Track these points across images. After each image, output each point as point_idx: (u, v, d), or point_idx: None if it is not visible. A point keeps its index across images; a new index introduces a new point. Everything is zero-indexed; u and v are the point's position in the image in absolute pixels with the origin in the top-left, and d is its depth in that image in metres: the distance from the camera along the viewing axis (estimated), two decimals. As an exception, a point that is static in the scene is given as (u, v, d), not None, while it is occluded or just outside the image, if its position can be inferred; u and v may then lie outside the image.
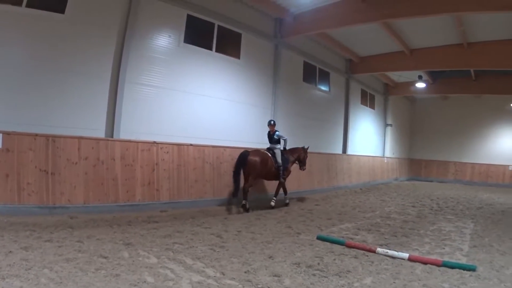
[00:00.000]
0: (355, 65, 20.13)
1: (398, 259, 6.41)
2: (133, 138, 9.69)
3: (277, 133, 11.91)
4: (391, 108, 26.46)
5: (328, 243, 7.24)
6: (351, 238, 7.92)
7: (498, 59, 16.24)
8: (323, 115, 18.00)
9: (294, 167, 12.85)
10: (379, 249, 6.80)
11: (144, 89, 10.39)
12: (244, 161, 10.73)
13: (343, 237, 7.96)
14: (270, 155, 11.61)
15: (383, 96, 25.71)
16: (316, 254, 6.46)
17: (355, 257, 6.43)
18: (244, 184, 10.85)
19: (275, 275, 5.20)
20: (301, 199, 13.33)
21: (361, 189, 18.84)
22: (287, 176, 12.36)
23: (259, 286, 4.79)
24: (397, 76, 23.06)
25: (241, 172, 10.83)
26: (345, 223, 9.80)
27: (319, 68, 17.60)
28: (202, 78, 11.84)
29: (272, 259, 5.99)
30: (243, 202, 10.65)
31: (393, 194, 17.79)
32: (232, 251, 6.29)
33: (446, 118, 29.33)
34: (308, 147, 13.16)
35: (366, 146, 22.69)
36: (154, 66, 10.59)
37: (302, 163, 12.75)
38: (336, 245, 7.13)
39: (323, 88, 18.20)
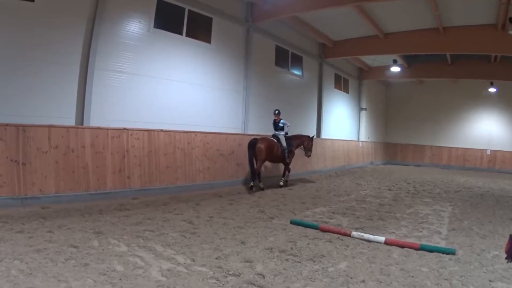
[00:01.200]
0: (328, 49, 20.15)
1: (374, 243, 6.39)
2: (103, 125, 9.59)
3: (282, 121, 13.36)
4: (366, 92, 26.71)
5: (301, 228, 7.19)
6: (326, 222, 7.87)
7: (474, 44, 16.45)
8: (296, 99, 18.12)
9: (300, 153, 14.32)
10: (354, 233, 6.75)
11: (114, 76, 10.29)
12: (254, 147, 12.09)
13: (317, 221, 7.94)
14: (275, 140, 13.02)
15: (357, 80, 25.92)
16: (289, 238, 6.43)
17: (330, 241, 6.40)
18: (256, 168, 12.16)
19: (247, 261, 5.16)
20: (275, 185, 13.25)
21: (336, 173, 19.02)
22: (291, 158, 13.59)
23: (230, 272, 4.74)
24: (371, 60, 23.35)
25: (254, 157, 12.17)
26: (319, 207, 9.77)
27: (291, 53, 17.64)
28: (172, 63, 11.80)
29: (244, 245, 5.94)
30: (251, 183, 11.88)
31: (368, 178, 17.97)
32: (203, 237, 6.23)
33: (422, 102, 29.74)
34: (314, 136, 14.93)
35: (341, 130, 22.90)
36: (124, 52, 10.49)
37: (307, 150, 14.16)
38: (310, 229, 7.10)
39: (296, 72, 18.28)
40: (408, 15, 15.97)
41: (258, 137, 12.59)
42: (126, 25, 10.57)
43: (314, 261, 5.33)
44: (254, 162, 12.17)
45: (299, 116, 18.30)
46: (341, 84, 23.39)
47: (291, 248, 5.85)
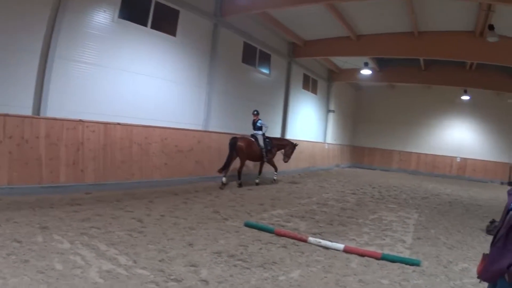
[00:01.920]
0: (298, 48, 20.33)
1: (332, 250, 6.21)
2: (60, 116, 9.41)
3: (259, 121, 14.29)
4: (335, 94, 26.96)
5: (256, 231, 7.03)
6: (282, 226, 7.74)
7: (450, 50, 16.75)
8: (262, 97, 18.21)
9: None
10: (311, 239, 6.56)
11: (76, 66, 10.13)
12: (234, 146, 12.97)
13: (273, 224, 7.78)
14: (253, 140, 13.96)
15: (326, 82, 26.18)
16: (241, 242, 6.25)
17: (284, 246, 6.23)
18: (239, 168, 13.22)
19: (192, 265, 5.00)
20: (234, 184, 13.21)
21: (299, 174, 19.13)
22: (271, 158, 14.72)
23: (172, 277, 4.58)
24: (342, 62, 23.59)
25: (233, 154, 13.00)
26: (277, 209, 9.67)
27: (260, 50, 17.75)
28: (135, 56, 11.70)
29: (192, 247, 5.77)
30: (223, 179, 12.60)
31: (333, 180, 18.05)
32: (150, 237, 6.07)
33: (392, 107, 30.27)
34: (297, 144, 15.88)
35: (307, 131, 23.12)
36: (87, 42, 10.34)
37: (285, 155, 15.39)
38: (264, 233, 6.94)
39: (264, 70, 18.41)
40: (383, 18, 16.17)
41: (237, 136, 13.48)
42: (91, 14, 10.42)
43: (264, 268, 5.14)
44: (234, 160, 13.07)
45: (264, 115, 17.94)
46: (309, 84, 23.61)
47: (241, 253, 5.68)
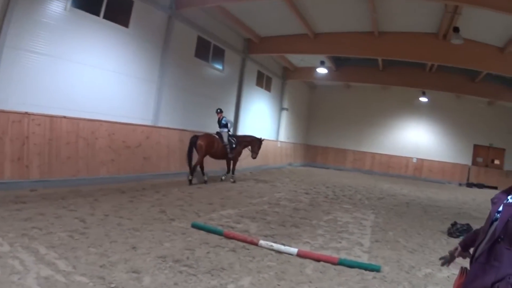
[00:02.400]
0: (253, 44, 20.35)
1: (285, 255, 5.98)
2: (6, 108, 9.04)
3: (224, 119, 14.91)
4: (289, 92, 27.20)
5: (204, 233, 6.77)
6: (232, 227, 7.52)
7: (411, 51, 17.16)
8: (214, 93, 18.16)
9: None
10: (262, 242, 6.30)
11: (25, 55, 9.76)
12: (195, 144, 13.37)
13: (222, 225, 7.58)
14: (217, 137, 14.52)
15: (281, 79, 26.34)
16: (187, 245, 5.99)
17: (233, 250, 5.99)
18: (196, 162, 13.44)
19: (134, 271, 4.71)
20: (183, 182, 13.01)
21: (251, 173, 19.08)
22: (237, 155, 15.26)
23: (112, 285, 4.32)
24: (298, 60, 23.82)
25: (193, 153, 13.39)
26: (227, 209, 9.47)
27: (213, 45, 17.67)
28: (86, 46, 11.37)
29: (135, 251, 5.48)
30: (190, 177, 12.97)
31: (285, 179, 18.06)
32: (92, 239, 5.75)
33: (347, 106, 30.81)
34: (263, 139, 16.27)
35: (259, 129, 22.73)
36: (38, 31, 9.98)
37: (253, 152, 15.79)
38: (213, 235, 6.70)
39: (217, 65, 18.35)
40: (342, 16, 16.37)
41: (198, 134, 13.86)
42: (44, 2, 10.05)
43: (212, 275, 4.87)
44: (191, 157, 13.34)
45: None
46: (263, 81, 23.72)
47: (188, 258, 5.40)
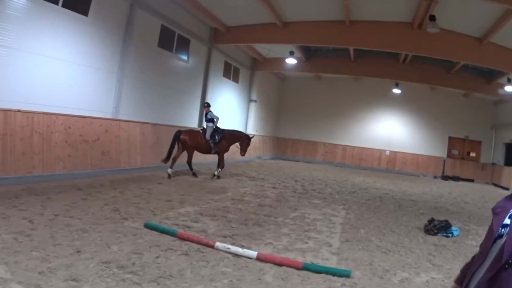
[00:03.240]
0: (220, 34, 20.21)
1: (244, 259, 5.64)
2: None
3: (209, 113, 14.90)
4: (258, 84, 27.17)
5: (156, 234, 6.46)
6: (188, 227, 7.20)
7: (384, 40, 17.32)
8: (179, 85, 18.05)
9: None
10: (218, 244, 5.95)
11: None
12: (177, 139, 14.06)
13: (177, 225, 7.27)
14: (201, 132, 14.93)
15: (249, 70, 26.28)
16: (136, 248, 5.65)
17: (186, 254, 5.65)
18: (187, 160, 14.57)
19: (74, 279, 4.39)
20: (144, 177, 12.85)
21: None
22: (222, 151, 15.18)
23: None
24: (267, 50, 23.71)
25: (175, 147, 14.13)
26: (186, 206, 9.18)
27: (178, 34, 17.47)
28: (43, 36, 11.02)
29: (79, 255, 5.13)
30: (168, 171, 13.79)
31: (252, 173, 17.85)
32: (36, 242, 5.44)
33: (318, 98, 30.92)
34: (252, 136, 16.26)
35: (227, 121, 22.47)
36: None
37: (241, 149, 15.72)
38: (166, 236, 6.39)
39: (181, 56, 18.18)
40: (313, 4, 16.39)
41: (183, 129, 14.54)
42: None
43: (158, 284, 4.56)
44: (172, 151, 13.97)
45: (181, 103, 18.29)
46: (231, 73, 23.63)
47: (134, 264, 5.05)
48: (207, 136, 14.64)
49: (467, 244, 8.32)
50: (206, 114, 15.10)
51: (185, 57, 18.51)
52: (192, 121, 19.19)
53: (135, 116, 14.59)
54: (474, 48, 17.10)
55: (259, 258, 5.64)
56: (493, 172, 28.28)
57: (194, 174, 14.67)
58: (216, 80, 21.70)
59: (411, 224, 9.75)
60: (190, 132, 14.80)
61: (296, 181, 16.43)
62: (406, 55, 22.18)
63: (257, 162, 24.85)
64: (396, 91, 28.51)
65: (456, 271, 5.14)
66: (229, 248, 5.89)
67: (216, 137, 14.83)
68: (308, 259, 6.07)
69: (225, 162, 15.24)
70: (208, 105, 15.24)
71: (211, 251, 5.88)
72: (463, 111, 29.41)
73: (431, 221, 9.16)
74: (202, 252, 5.81)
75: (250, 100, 27.00)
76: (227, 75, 23.35)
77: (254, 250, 5.97)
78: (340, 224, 8.93)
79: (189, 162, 14.70)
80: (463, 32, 16.89)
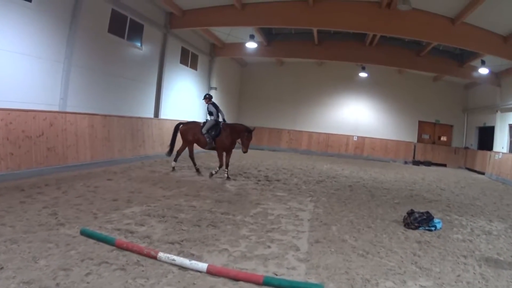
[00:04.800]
0: (176, 19, 19.70)
1: (192, 272, 4.97)
2: None
3: (208, 106, 14.29)
4: (217, 70, 26.76)
5: (93, 242, 5.81)
6: (131, 232, 6.49)
7: (350, 20, 17.15)
8: (132, 73, 17.46)
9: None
10: (161, 255, 5.27)
11: None
12: (176, 130, 14.35)
13: (119, 230, 6.58)
14: (199, 125, 14.34)
15: (208, 56, 25.82)
16: (65, 263, 4.97)
17: (123, 268, 4.95)
18: (179, 149, 14.61)
19: None
20: (93, 174, 12.20)
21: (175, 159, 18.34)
22: (220, 147, 13.92)
23: None
24: (226, 35, 23.31)
25: (176, 140, 14.34)
26: (134, 206, 8.44)
27: (130, 19, 16.86)
28: None
29: (1, 273, 4.50)
30: (172, 163, 14.41)
31: (212, 164, 17.19)
32: None
33: (281, 84, 30.98)
34: (253, 128, 14.09)
35: (186, 110, 22.67)
36: None
37: (242, 144, 13.74)
38: (104, 244, 5.73)
39: (134, 42, 17.58)
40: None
41: (184, 122, 14.67)
42: None
43: None
44: (174, 144, 14.34)
45: (135, 92, 17.72)
46: (188, 59, 23.11)
47: (58, 284, 4.36)
48: (203, 130, 13.93)
49: (453, 238, 7.94)
50: (207, 107, 14.44)
51: (138, 44, 17.92)
52: (147, 111, 18.68)
53: (84, 107, 13.96)
54: (447, 28, 17.10)
55: (210, 272, 4.92)
56: (466, 156, 28.81)
57: (198, 170, 14.33)
58: (172, 68, 21.17)
59: (387, 217, 9.35)
60: (189, 124, 14.58)
61: (259, 171, 16.03)
62: (373, 37, 22.09)
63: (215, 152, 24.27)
64: (363, 75, 28.57)
65: (448, 275, 4.94)
66: (174, 260, 5.18)
67: (213, 132, 13.89)
68: (271, 269, 5.35)
69: (226, 161, 14.01)
70: (209, 97, 14.54)
71: (153, 263, 5.18)
72: (433, 95, 29.82)
73: (411, 213, 8.75)
74: (142, 266, 5.08)
75: (210, 88, 26.52)
76: (185, 62, 22.83)
77: (205, 261, 5.34)
78: (308, 220, 8.37)
79: (190, 156, 14.61)
80: (435, 12, 16.84)
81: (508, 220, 10.37)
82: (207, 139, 13.84)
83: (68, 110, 13.31)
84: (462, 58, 23.57)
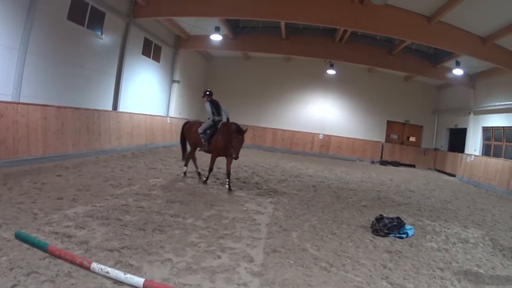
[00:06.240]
0: (140, 8, 19.40)
1: (127, 287, 4.62)
2: None
3: (206, 104, 13.06)
4: (181, 63, 26.50)
5: (27, 247, 5.42)
6: (69, 236, 6.05)
7: (318, 14, 17.03)
8: (91, 62, 17.05)
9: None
10: (95, 265, 4.87)
11: None
12: (183, 130, 13.78)
13: (57, 233, 6.14)
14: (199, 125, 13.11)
15: (172, 48, 25.53)
16: None
17: (52, 280, 4.55)
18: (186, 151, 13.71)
19: None
20: (44, 169, 11.76)
21: (133, 153, 18.04)
22: (213, 150, 12.64)
23: None
24: (191, 26, 23.12)
25: (186, 140, 13.79)
26: (78, 205, 8.00)
27: (92, 6, 16.42)
28: None
29: None
30: (184, 169, 13.46)
31: (171, 160, 17.08)
32: None
33: (246, 79, 31.00)
34: (246, 130, 12.16)
35: (145, 103, 22.37)
36: None
37: (232, 148, 11.72)
38: (37, 250, 5.34)
39: (95, 31, 17.15)
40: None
41: (190, 120, 14.23)
42: None
43: None
44: (185, 146, 13.85)
45: (94, 83, 17.35)
46: (151, 51, 22.78)
47: None
48: (200, 129, 12.80)
49: (426, 247, 7.65)
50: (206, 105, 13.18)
51: (99, 32, 17.50)
52: (106, 103, 18.31)
53: (39, 98, 13.49)
54: (422, 26, 17.24)
55: (146, 287, 4.52)
56: (436, 157, 29.36)
57: (199, 174, 13.46)
58: (134, 58, 20.80)
59: (354, 222, 9.01)
60: (191, 123, 13.89)
61: (219, 168, 15.47)
62: (344, 34, 22.11)
63: (179, 147, 23.75)
64: (331, 72, 28.68)
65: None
66: (108, 272, 4.76)
67: (208, 131, 12.73)
68: (218, 285, 4.89)
69: (227, 168, 12.51)
70: (209, 94, 13.30)
71: (86, 275, 4.76)
72: (403, 95, 30.30)
73: (380, 219, 8.44)
74: (73, 278, 4.66)
75: (173, 81, 26.29)
76: (147, 53, 22.48)
77: (144, 274, 5.00)
78: (266, 225, 7.92)
79: (192, 157, 13.82)
80: (411, 9, 16.96)
81: (484, 226, 10.33)
82: (202, 140, 12.74)
83: (22, 100, 12.84)
84: (436, 59, 23.92)
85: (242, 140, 11.71)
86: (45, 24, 14.00)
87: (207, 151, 12.94)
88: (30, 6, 13.15)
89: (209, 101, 13.08)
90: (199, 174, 13.46)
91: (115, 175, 12.16)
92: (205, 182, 12.50)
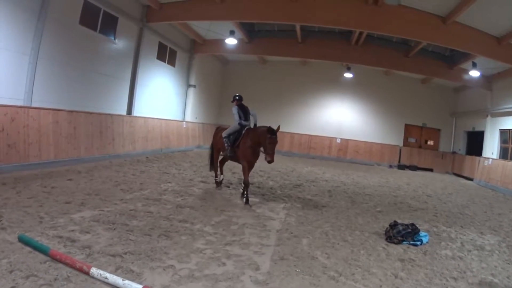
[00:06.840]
0: (153, 12, 19.44)
1: None
2: None
3: (233, 108, 11.93)
4: (197, 68, 26.53)
5: (29, 250, 5.42)
6: (72, 241, 5.99)
7: (333, 16, 16.93)
8: (104, 67, 17.10)
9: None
10: (94, 271, 4.81)
11: None
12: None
13: (61, 237, 6.09)
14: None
15: (188, 53, 25.55)
16: None
17: (50, 284, 4.53)
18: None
19: None
20: (55, 173, 11.76)
21: (147, 157, 18.03)
22: (241, 157, 11.43)
23: None
24: (206, 30, 23.14)
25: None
26: (86, 209, 7.95)
27: (104, 11, 16.49)
28: None
29: None
30: (215, 179, 12.70)
31: (186, 164, 17.01)
32: None
33: (263, 83, 30.79)
34: (278, 129, 10.61)
35: (161, 108, 22.38)
36: None
37: (264, 151, 10.71)
38: (39, 253, 5.31)
39: (108, 35, 17.22)
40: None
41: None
42: None
43: None
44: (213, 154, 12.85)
45: (107, 88, 17.40)
46: (166, 55, 22.82)
47: None
48: (224, 133, 11.90)
49: (441, 255, 7.34)
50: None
51: (112, 37, 17.57)
52: (120, 107, 18.36)
53: (51, 102, 13.58)
54: (437, 27, 16.98)
55: None
56: (454, 161, 28.86)
57: (216, 182, 12.61)
58: (148, 63, 20.85)
59: (368, 228, 8.71)
60: (220, 128, 12.91)
61: (233, 173, 15.44)
62: (359, 36, 21.92)
63: (195, 152, 24.08)
64: (348, 75, 28.50)
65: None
66: (106, 278, 4.69)
67: (231, 136, 11.77)
68: None
69: (231, 167, 12.35)
70: (238, 99, 12.07)
71: (85, 280, 4.70)
72: (420, 97, 29.87)
73: (394, 225, 8.12)
74: (72, 282, 4.62)
75: (189, 85, 26.34)
76: (162, 57, 22.50)
77: (144, 280, 4.92)
78: (277, 231, 7.67)
79: (217, 162, 12.84)
80: (425, 10, 16.73)
81: (500, 232, 9.98)
82: (225, 145, 11.77)
83: (34, 105, 12.90)
84: (453, 60, 23.52)
85: (275, 141, 10.53)
86: (56, 29, 14.04)
87: (231, 158, 12.08)
88: (40, 12, 13.20)
89: (237, 105, 12.08)
90: (216, 181, 12.69)
91: (126, 179, 12.10)
92: (246, 202, 10.51)
